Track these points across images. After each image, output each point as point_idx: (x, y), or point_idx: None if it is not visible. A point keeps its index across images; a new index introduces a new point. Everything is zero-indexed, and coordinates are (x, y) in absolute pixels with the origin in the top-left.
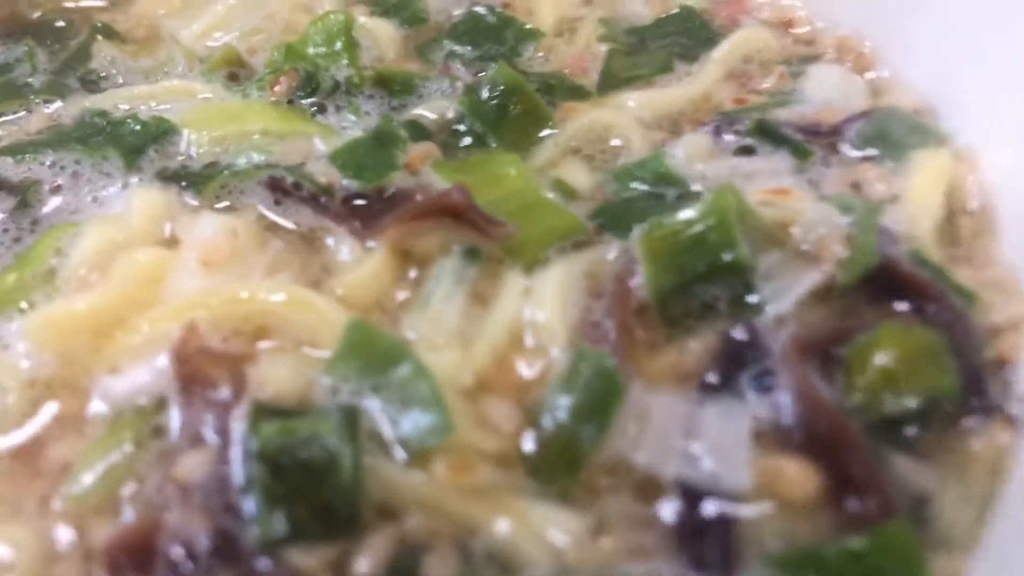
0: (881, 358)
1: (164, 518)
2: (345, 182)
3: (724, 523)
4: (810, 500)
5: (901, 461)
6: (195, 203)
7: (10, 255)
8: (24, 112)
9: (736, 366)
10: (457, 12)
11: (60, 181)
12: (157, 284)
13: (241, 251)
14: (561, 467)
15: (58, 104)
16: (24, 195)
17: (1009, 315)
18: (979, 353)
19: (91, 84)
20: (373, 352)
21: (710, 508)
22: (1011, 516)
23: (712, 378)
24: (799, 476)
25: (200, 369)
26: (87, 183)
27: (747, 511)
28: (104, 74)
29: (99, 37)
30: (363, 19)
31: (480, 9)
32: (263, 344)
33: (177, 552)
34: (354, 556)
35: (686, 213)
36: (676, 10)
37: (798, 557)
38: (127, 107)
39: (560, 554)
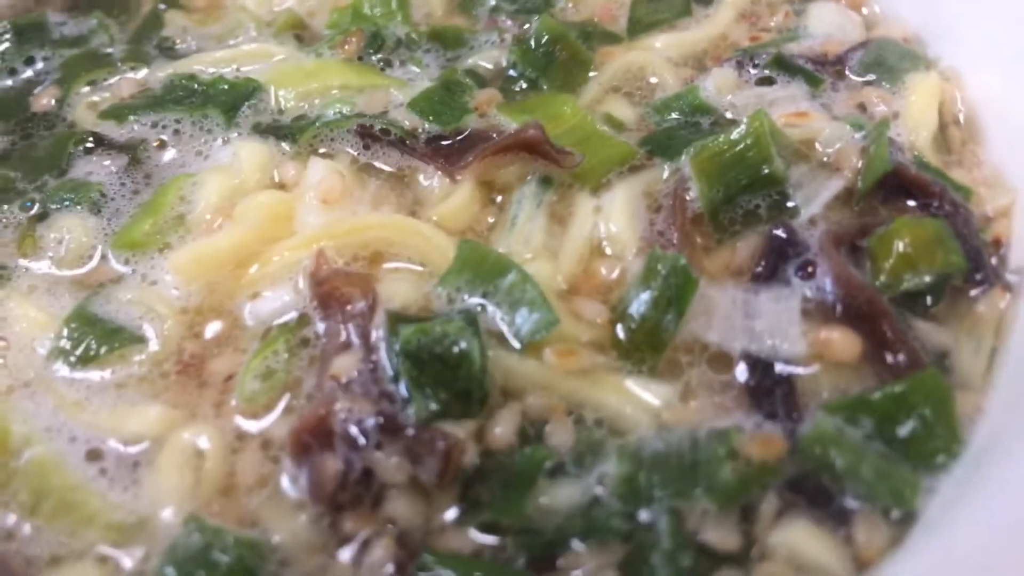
0: (899, 245)
1: (333, 406)
2: (426, 126)
3: (787, 382)
4: (854, 359)
5: (922, 325)
6: (291, 151)
7: (132, 205)
8: (115, 79)
9: (780, 259)
10: None
11: (164, 138)
12: (284, 221)
13: (350, 189)
14: (648, 349)
15: (144, 71)
16: (134, 152)
17: (998, 205)
18: (978, 236)
19: (168, 51)
20: (483, 265)
21: (774, 372)
22: (1013, 361)
23: (762, 270)
24: (844, 341)
25: (336, 288)
26: (189, 139)
27: (804, 372)
28: (179, 41)
29: (162, 6)
30: None
31: None
32: (385, 266)
33: (351, 430)
34: (490, 427)
35: (729, 136)
36: None
37: (850, 403)
38: (213, 70)
39: (658, 416)
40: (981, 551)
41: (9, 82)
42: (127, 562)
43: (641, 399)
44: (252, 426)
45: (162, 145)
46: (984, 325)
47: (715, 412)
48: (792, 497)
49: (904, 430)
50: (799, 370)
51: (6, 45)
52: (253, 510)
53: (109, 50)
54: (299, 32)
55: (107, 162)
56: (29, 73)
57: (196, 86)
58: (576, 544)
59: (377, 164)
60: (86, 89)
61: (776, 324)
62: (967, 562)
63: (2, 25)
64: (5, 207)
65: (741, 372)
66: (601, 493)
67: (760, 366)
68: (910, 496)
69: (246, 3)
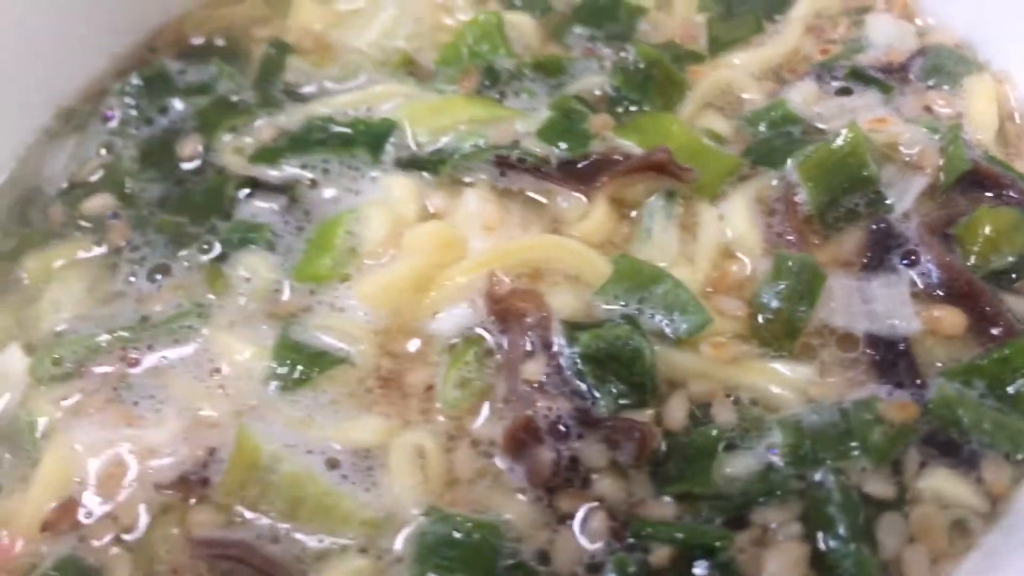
0: (983, 231)
1: (536, 406)
2: (556, 152)
3: (908, 355)
4: (962, 332)
5: (1011, 299)
6: (435, 182)
7: (301, 241)
8: (255, 124)
9: (883, 250)
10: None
11: (315, 177)
12: (450, 247)
13: (504, 216)
14: (785, 336)
15: (280, 115)
16: (291, 192)
17: None
18: None
19: (294, 95)
20: (639, 276)
21: (896, 347)
22: None
23: (868, 261)
24: (952, 318)
25: (513, 304)
26: (339, 177)
27: (920, 344)
28: (302, 84)
29: (272, 50)
30: (507, 15)
31: None
32: (545, 280)
33: (554, 425)
34: (666, 413)
35: (830, 145)
36: None
37: (963, 369)
38: (352, 112)
39: (804, 392)
40: None
41: (148, 132)
42: (386, 551)
43: (787, 378)
44: (458, 428)
45: (314, 184)
46: None
47: (851, 386)
48: (929, 450)
49: (1012, 388)
50: (916, 345)
51: (138, 96)
52: (479, 498)
53: (237, 97)
54: (411, 69)
55: (268, 203)
56: (165, 122)
57: (334, 128)
58: (761, 503)
59: (514, 189)
60: (228, 136)
61: (891, 306)
62: None
63: (132, 76)
64: (184, 251)
65: (867, 349)
66: (774, 460)
67: (882, 343)
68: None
69: (358, 44)
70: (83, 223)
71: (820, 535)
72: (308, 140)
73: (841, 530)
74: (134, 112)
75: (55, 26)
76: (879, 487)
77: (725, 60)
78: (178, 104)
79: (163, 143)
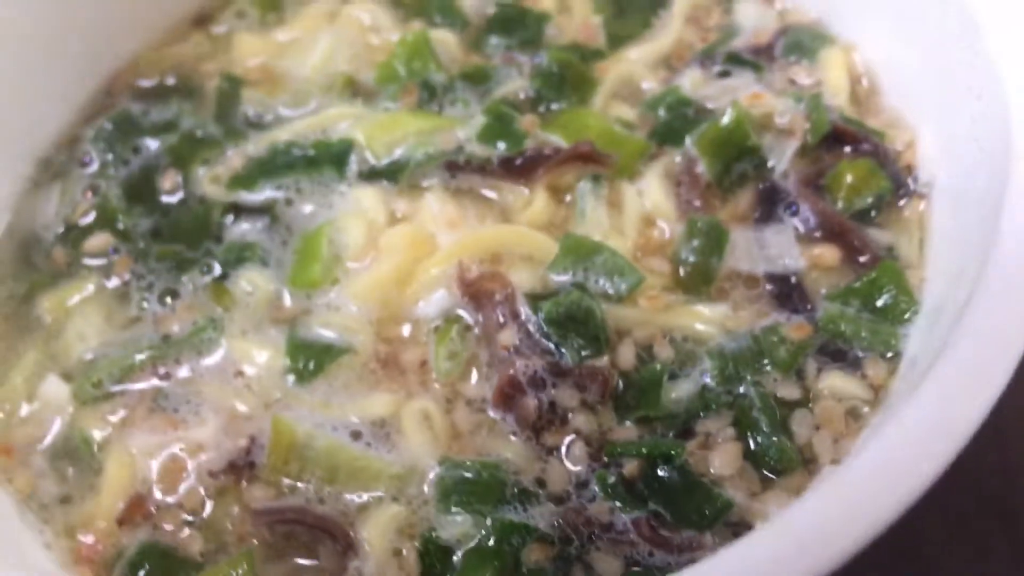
0: (846, 180)
1: (515, 365)
2: (496, 152)
3: (799, 287)
4: (837, 264)
5: (873, 231)
6: (395, 190)
7: (288, 253)
8: (226, 154)
9: (771, 204)
10: (488, 10)
11: (290, 196)
12: (422, 245)
13: (462, 212)
14: (702, 283)
15: (247, 144)
16: (271, 212)
17: (904, 140)
18: (895, 165)
19: (255, 125)
20: (581, 249)
21: (789, 281)
22: (935, 243)
23: (759, 215)
24: (829, 253)
25: (482, 286)
26: (311, 194)
27: (807, 277)
28: (261, 112)
29: (225, 85)
30: (431, 32)
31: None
32: (504, 263)
33: (532, 378)
34: (618, 357)
35: (719, 123)
36: None
37: (842, 292)
38: (314, 134)
39: (723, 325)
40: (948, 367)
41: (126, 172)
42: (414, 496)
43: (708, 317)
44: (453, 392)
45: (289, 203)
46: (912, 223)
47: (758, 316)
48: (823, 359)
49: (880, 302)
50: (804, 276)
51: (110, 139)
52: (480, 445)
53: (202, 132)
54: (354, 89)
55: (252, 224)
56: (140, 161)
57: (298, 152)
58: (702, 416)
59: (464, 188)
60: (202, 168)
61: (781, 249)
62: (938, 377)
63: (102, 122)
64: (187, 275)
65: (767, 285)
66: (707, 381)
67: (778, 279)
68: (895, 343)
69: (303, 72)
70: (87, 261)
71: (749, 434)
72: (276, 164)
73: (764, 428)
74: (110, 155)
75: (23, 79)
76: (788, 391)
77: (623, 55)
78: (149, 143)
79: (143, 180)
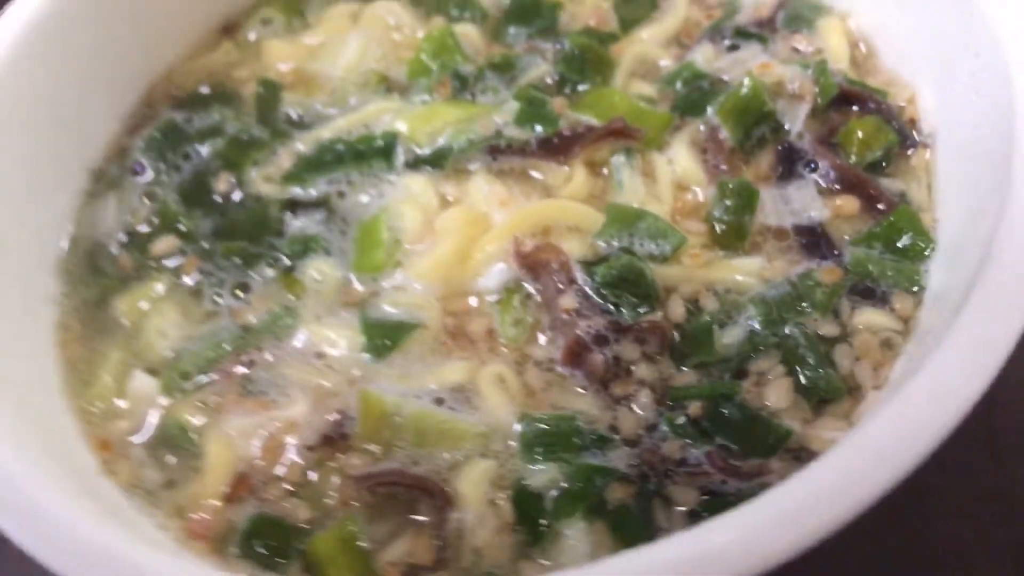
0: (857, 136)
1: (579, 326)
2: (534, 134)
3: (825, 235)
4: (857, 212)
5: (885, 181)
6: (441, 175)
7: (347, 242)
8: (273, 154)
9: (790, 163)
10: (504, 2)
11: (343, 189)
12: (475, 224)
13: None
14: (736, 239)
15: (294, 143)
16: (326, 205)
17: (905, 96)
18: (899, 119)
19: (297, 124)
20: (625, 217)
21: (816, 231)
22: (943, 186)
23: (781, 173)
24: (848, 203)
25: (537, 256)
26: (362, 186)
27: (833, 225)
28: (299, 113)
29: (261, 89)
30: (454, 26)
31: None
32: (553, 235)
33: (596, 337)
34: (669, 311)
35: (738, 92)
36: None
37: (865, 236)
38: (357, 130)
39: (761, 276)
40: (981, 298)
41: (179, 178)
42: (500, 451)
43: (747, 268)
44: (521, 356)
45: (342, 195)
46: (919, 170)
47: (791, 265)
48: (855, 298)
49: (901, 243)
50: (828, 225)
51: (160, 148)
52: (554, 400)
53: (247, 135)
54: (388, 85)
55: (310, 217)
56: (191, 167)
57: (343, 147)
58: (753, 358)
59: (506, 169)
60: (253, 169)
61: (805, 203)
62: (973, 307)
63: (149, 131)
64: (253, 270)
65: (796, 236)
66: (754, 326)
67: (805, 230)
68: (918, 278)
69: (336, 72)
70: (154, 263)
71: (798, 370)
72: (325, 160)
73: (811, 362)
74: (162, 164)
75: (68, 97)
76: (828, 329)
77: (636, 36)
78: (198, 149)
79: (198, 184)
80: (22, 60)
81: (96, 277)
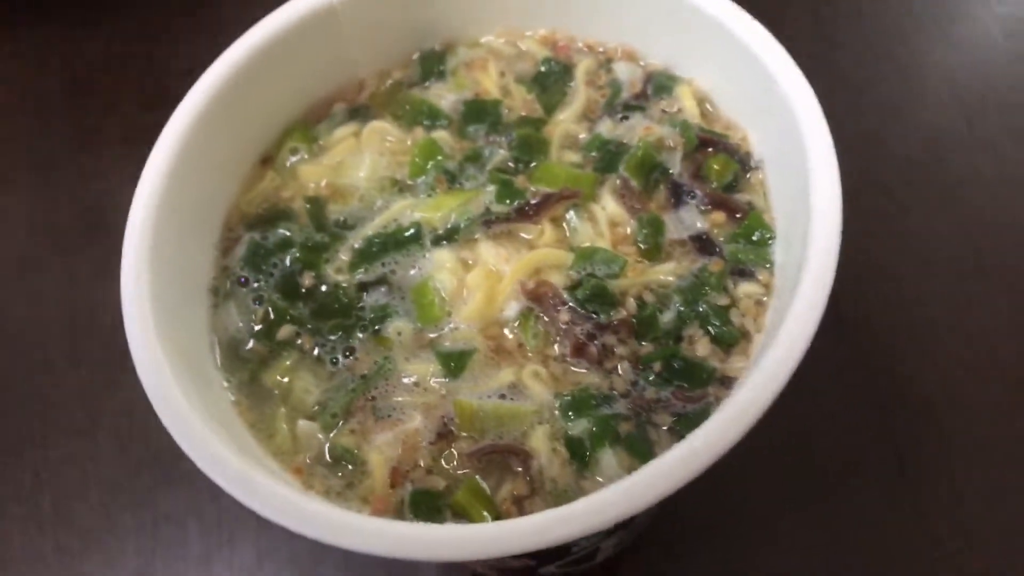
0: (714, 168)
1: (576, 330)
2: (512, 206)
3: (708, 239)
4: (725, 221)
5: (738, 196)
6: (455, 245)
7: (408, 304)
8: (336, 253)
9: (678, 195)
10: (460, 108)
11: (393, 268)
12: (493, 276)
13: (508, 250)
14: (656, 252)
15: (346, 242)
16: (386, 281)
17: (739, 136)
18: (739, 153)
19: (344, 225)
20: (585, 253)
21: (702, 238)
22: (772, 195)
23: (672, 203)
24: (719, 216)
25: (537, 290)
26: (406, 263)
27: (712, 233)
28: (345, 218)
29: (309, 205)
30: (433, 135)
31: (466, 97)
32: (541, 273)
33: (588, 334)
34: (626, 308)
35: (635, 152)
36: (543, 67)
37: (733, 236)
38: (390, 225)
39: (675, 274)
40: (808, 273)
41: (274, 282)
42: (548, 418)
43: (666, 270)
44: (544, 357)
45: (393, 272)
46: (757, 186)
47: (693, 263)
48: (735, 277)
49: (755, 237)
50: (709, 231)
51: (253, 262)
52: (571, 379)
53: (312, 242)
54: (400, 187)
55: (377, 292)
56: (280, 272)
57: (384, 240)
58: (682, 327)
59: (499, 233)
60: (327, 265)
61: (692, 221)
62: (805, 279)
63: (240, 252)
64: (352, 337)
65: (690, 242)
66: (681, 309)
67: (696, 239)
68: (769, 258)
69: (358, 183)
70: (280, 346)
71: (710, 330)
72: (373, 251)
73: (717, 323)
74: (259, 273)
75: (188, 236)
76: (723, 300)
77: (557, 119)
78: (281, 258)
79: (290, 284)
80: (163, 217)
81: (244, 364)
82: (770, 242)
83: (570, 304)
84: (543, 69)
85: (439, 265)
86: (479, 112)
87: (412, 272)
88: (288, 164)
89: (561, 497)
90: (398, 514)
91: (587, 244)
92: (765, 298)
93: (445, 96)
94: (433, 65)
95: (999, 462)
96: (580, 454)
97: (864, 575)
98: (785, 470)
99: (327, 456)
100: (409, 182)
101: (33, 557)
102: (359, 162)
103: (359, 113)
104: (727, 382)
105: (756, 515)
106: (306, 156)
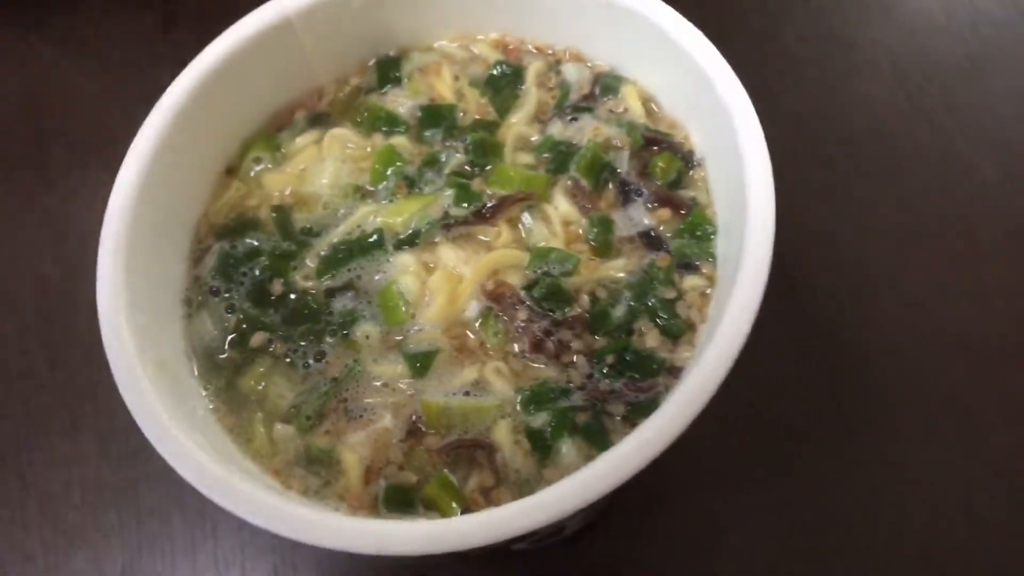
0: (660, 166)
1: (533, 327)
2: (469, 208)
3: (656, 236)
4: (671, 217)
5: (682, 192)
6: (417, 249)
7: (375, 309)
8: (303, 260)
9: (626, 193)
10: (417, 113)
11: (359, 273)
12: (454, 278)
13: (467, 252)
14: (607, 250)
15: (314, 249)
16: (352, 285)
17: (682, 135)
18: (683, 151)
19: (310, 233)
20: (541, 253)
21: (650, 234)
22: (713, 191)
23: (622, 200)
24: (665, 212)
25: (496, 290)
26: (371, 268)
27: (659, 229)
28: (310, 226)
29: (273, 214)
30: (391, 141)
31: (422, 102)
32: (501, 274)
33: (545, 331)
34: (579, 304)
35: (584, 153)
36: (495, 70)
37: (679, 231)
38: (354, 231)
39: (625, 270)
40: (747, 260)
41: (244, 290)
42: (509, 412)
43: (616, 266)
44: (504, 353)
45: (359, 277)
46: (699, 182)
47: (641, 259)
48: (681, 270)
49: (698, 232)
50: (655, 228)
51: (223, 272)
52: (531, 375)
53: (279, 250)
54: (362, 193)
55: (344, 297)
56: (250, 280)
57: (348, 246)
58: (632, 323)
59: (458, 236)
60: (294, 273)
61: (640, 218)
62: (744, 267)
63: (211, 262)
64: (322, 342)
65: (640, 238)
66: (631, 303)
67: (645, 235)
68: (712, 251)
69: (321, 190)
70: (254, 352)
71: (658, 322)
72: (339, 257)
73: (665, 316)
74: (229, 283)
75: (163, 248)
76: (670, 293)
77: (509, 121)
78: (250, 267)
79: (260, 292)
80: (136, 232)
81: (220, 372)
82: (712, 236)
83: (527, 303)
84: (495, 72)
85: (402, 269)
86: (435, 117)
87: (377, 277)
88: (252, 173)
89: (525, 486)
90: (373, 509)
91: (542, 244)
92: (709, 290)
93: (402, 102)
94: (389, 71)
95: (934, 412)
96: (541, 445)
97: (816, 528)
98: (739, 434)
99: (304, 456)
100: (371, 188)
101: (22, 558)
102: (322, 169)
103: (320, 120)
104: (675, 371)
105: (714, 479)
106: (269, 165)
